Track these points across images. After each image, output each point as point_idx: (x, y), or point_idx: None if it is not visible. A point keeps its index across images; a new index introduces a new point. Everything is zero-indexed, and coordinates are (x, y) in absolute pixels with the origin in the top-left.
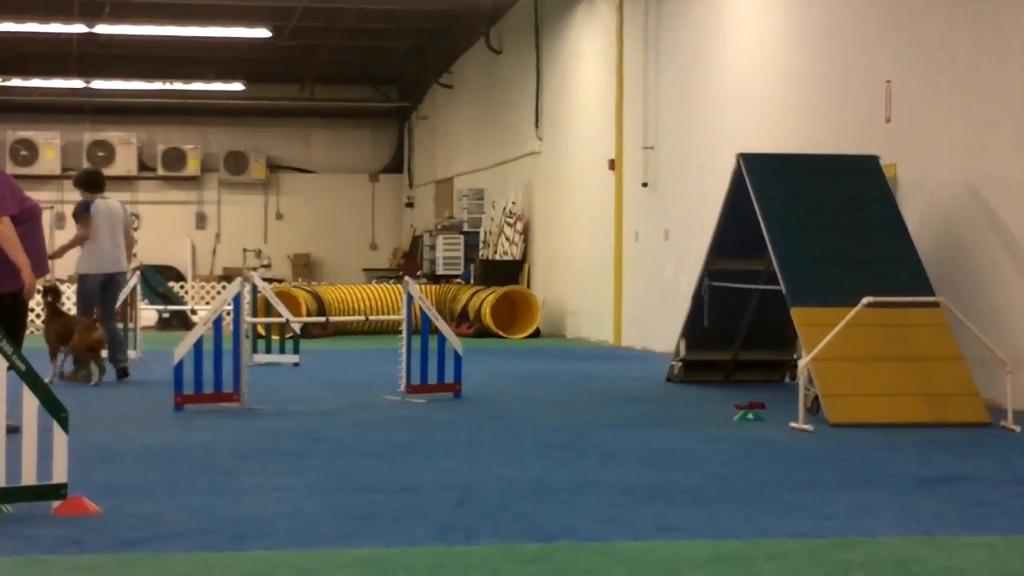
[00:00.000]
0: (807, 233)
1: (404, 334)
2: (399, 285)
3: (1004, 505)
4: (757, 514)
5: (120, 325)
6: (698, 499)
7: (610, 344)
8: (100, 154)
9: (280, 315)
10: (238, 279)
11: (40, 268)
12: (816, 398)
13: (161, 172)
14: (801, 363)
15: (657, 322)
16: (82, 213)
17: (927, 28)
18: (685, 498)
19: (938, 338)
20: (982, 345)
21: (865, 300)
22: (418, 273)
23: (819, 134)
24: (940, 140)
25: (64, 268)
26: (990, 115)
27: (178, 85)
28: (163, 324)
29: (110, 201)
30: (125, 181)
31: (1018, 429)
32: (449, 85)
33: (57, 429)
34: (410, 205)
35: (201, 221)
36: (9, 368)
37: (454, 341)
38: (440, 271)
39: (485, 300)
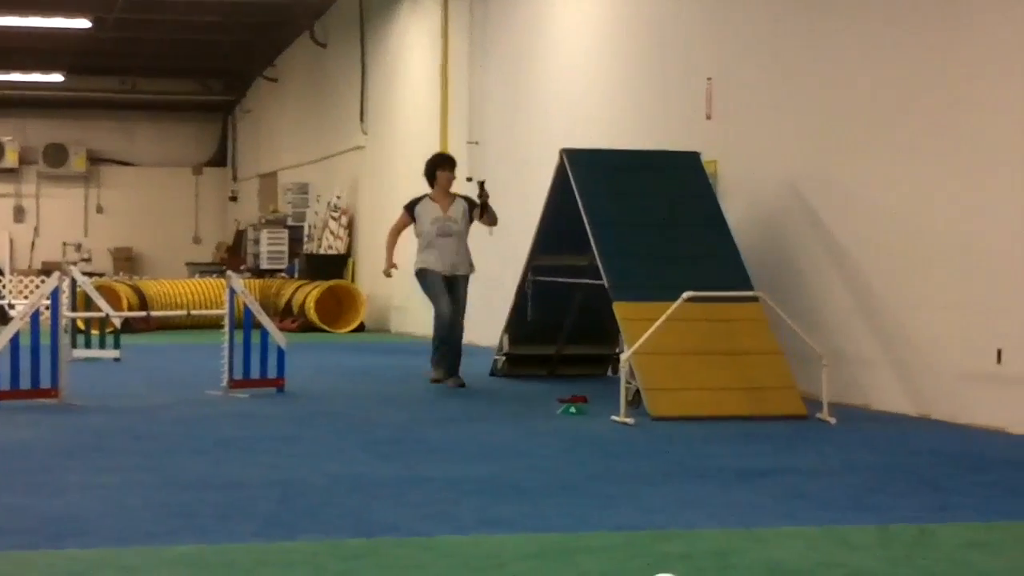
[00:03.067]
0: (629, 229)
1: (227, 328)
2: (222, 279)
3: (821, 496)
4: (580, 507)
5: None
6: (522, 492)
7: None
8: None
9: (100, 309)
10: (56, 273)
11: None
12: (638, 392)
13: None
14: (623, 357)
15: (482, 317)
16: None
17: (749, 25)
18: (509, 492)
19: (757, 332)
20: (800, 339)
21: (685, 295)
22: (242, 267)
23: (642, 130)
24: (761, 138)
25: None
26: (811, 113)
27: None
28: None
29: None
30: None
31: (833, 421)
32: (274, 79)
33: None
34: (234, 199)
35: (19, 214)
36: None
37: (277, 336)
38: (264, 265)
39: (309, 294)
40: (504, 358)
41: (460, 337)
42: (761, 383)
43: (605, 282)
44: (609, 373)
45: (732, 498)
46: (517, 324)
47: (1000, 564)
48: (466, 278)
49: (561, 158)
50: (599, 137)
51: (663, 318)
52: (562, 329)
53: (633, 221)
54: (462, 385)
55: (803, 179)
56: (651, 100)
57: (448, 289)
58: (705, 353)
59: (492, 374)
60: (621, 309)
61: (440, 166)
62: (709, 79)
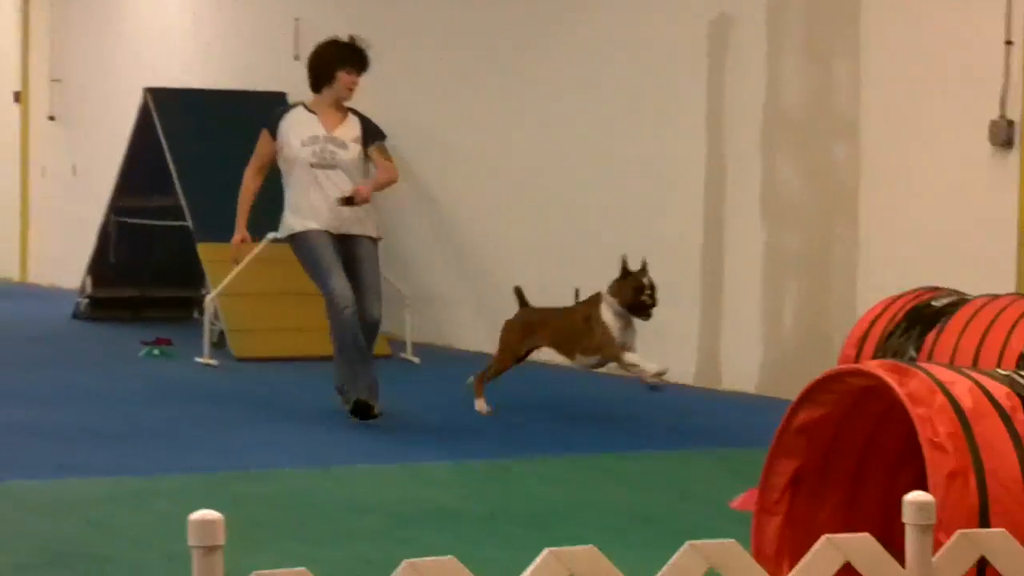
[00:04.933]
0: (214, 169)
1: None
2: None
3: (401, 434)
4: (159, 450)
5: None
6: (99, 438)
7: (16, 281)
8: None
9: None
10: None
11: None
12: (222, 333)
13: None
14: (207, 298)
15: (66, 259)
16: None
17: None
18: (86, 436)
19: None
20: (384, 280)
21: (269, 235)
22: None
23: (228, 69)
24: None
25: None
26: (395, 52)
27: None
28: None
29: None
30: None
31: (417, 360)
32: None
33: None
34: None
35: None
36: None
37: None
38: None
39: None
40: (87, 300)
41: (374, 335)
42: None
43: (189, 223)
44: (196, 315)
45: (313, 437)
46: (100, 265)
47: (559, 493)
48: (371, 242)
49: (145, 97)
50: (186, 76)
51: (248, 258)
52: (147, 271)
53: (218, 161)
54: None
55: (392, 119)
56: (239, 39)
57: (344, 261)
58: (287, 294)
59: (75, 317)
60: (205, 250)
61: (344, 63)
62: (297, 19)
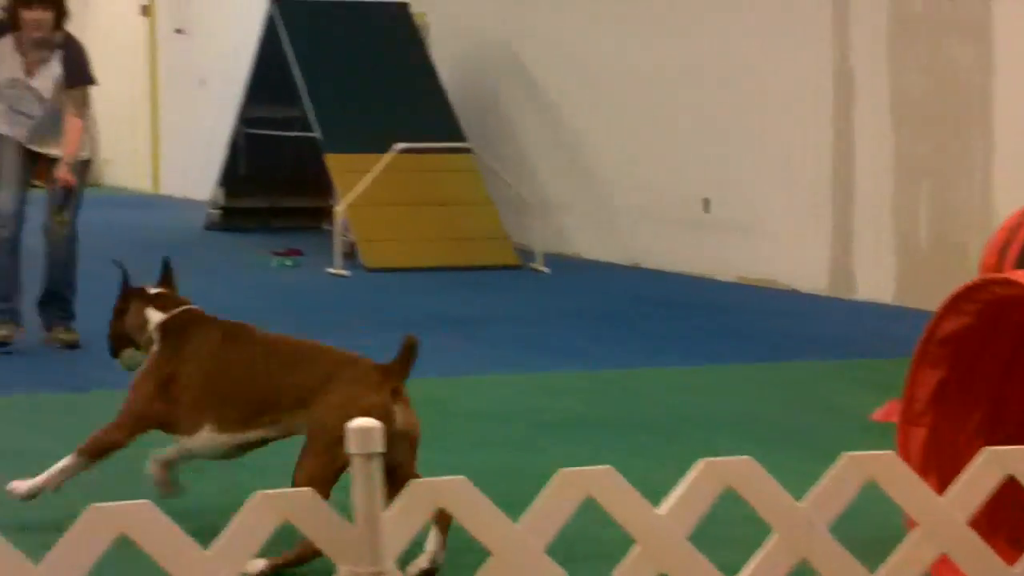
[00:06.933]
0: (340, 80)
1: None
2: None
3: (533, 343)
4: None
5: None
6: None
7: (149, 193)
8: None
9: None
10: None
11: None
12: (353, 244)
13: None
14: (337, 209)
15: (197, 170)
16: None
17: None
18: None
19: (469, 183)
20: (512, 190)
21: (398, 146)
22: None
23: None
24: None
25: None
26: None
27: None
28: None
29: None
30: None
31: (547, 271)
32: None
33: None
34: None
35: None
36: None
37: None
38: None
39: None
40: (219, 211)
41: (58, 272)
42: (474, 233)
43: (317, 134)
44: (324, 226)
45: (445, 345)
46: (231, 176)
47: (700, 404)
48: (76, 165)
49: (271, 8)
50: None
51: (376, 169)
52: (276, 181)
53: (344, 72)
54: (72, 343)
55: (512, 30)
56: None
57: (28, 173)
58: (418, 204)
59: (207, 228)
60: (333, 161)
61: (20, 1)
62: None
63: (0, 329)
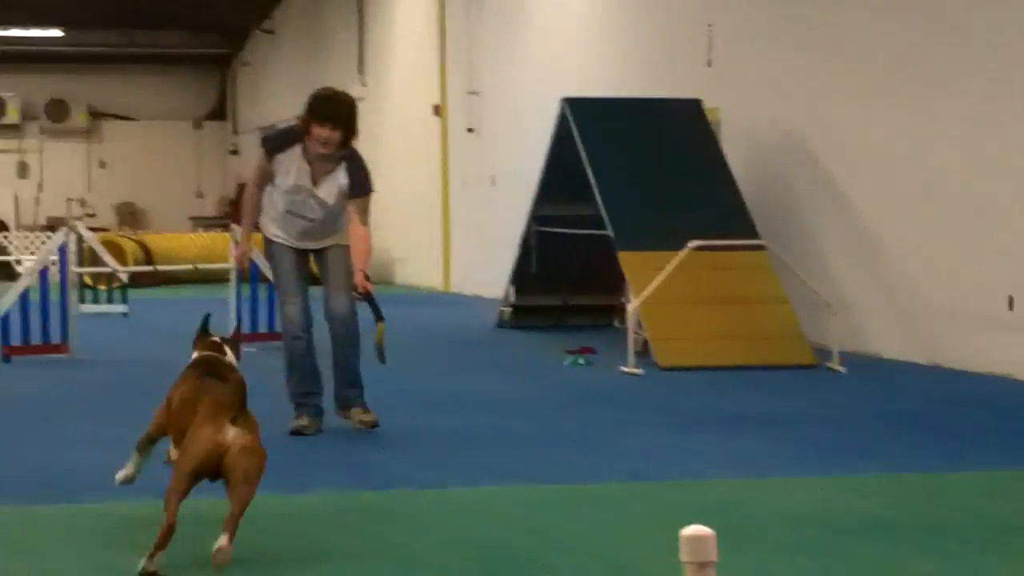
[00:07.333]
0: (632, 177)
1: (232, 282)
2: (226, 233)
3: (832, 444)
4: (588, 457)
5: None
6: (529, 444)
7: (439, 291)
8: None
9: (106, 265)
10: (63, 228)
11: None
12: (646, 342)
13: None
14: (630, 307)
15: (487, 268)
16: None
17: None
18: (512, 442)
19: (763, 281)
20: (806, 288)
21: (692, 244)
22: None
23: (642, 78)
24: (763, 84)
25: None
26: (812, 59)
27: None
28: None
29: None
30: None
31: (843, 370)
32: (270, 30)
33: None
34: (235, 152)
35: (23, 170)
36: None
37: None
38: None
39: None
40: (510, 309)
41: (343, 353)
42: (769, 332)
43: (609, 231)
44: (615, 324)
45: (743, 447)
46: (522, 275)
47: (1014, 512)
48: (339, 248)
49: (563, 107)
50: (598, 84)
51: (670, 267)
52: (568, 279)
53: (636, 169)
54: (372, 424)
55: (806, 125)
56: (651, 46)
57: (307, 273)
58: (712, 302)
59: (499, 325)
60: (626, 258)
61: (317, 117)
62: (710, 25)
63: (301, 419)
